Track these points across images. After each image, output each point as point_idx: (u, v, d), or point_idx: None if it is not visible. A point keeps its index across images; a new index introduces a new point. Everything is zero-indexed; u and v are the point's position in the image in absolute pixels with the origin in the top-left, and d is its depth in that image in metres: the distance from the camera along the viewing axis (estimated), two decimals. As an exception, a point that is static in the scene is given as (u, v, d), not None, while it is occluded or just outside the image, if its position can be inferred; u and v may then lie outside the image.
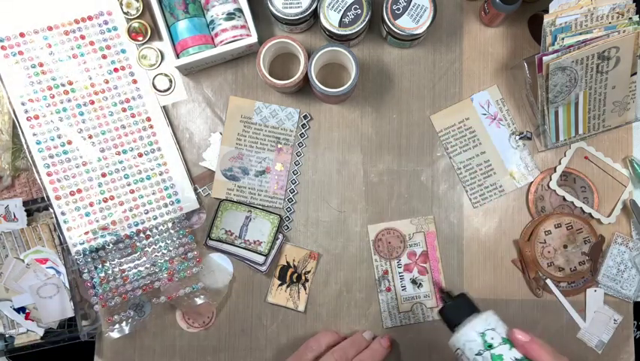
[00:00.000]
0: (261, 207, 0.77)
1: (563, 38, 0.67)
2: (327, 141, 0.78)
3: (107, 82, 0.75)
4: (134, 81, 0.76)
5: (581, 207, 0.77)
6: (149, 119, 0.76)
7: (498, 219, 0.78)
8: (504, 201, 0.78)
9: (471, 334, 0.57)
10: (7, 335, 0.75)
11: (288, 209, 0.78)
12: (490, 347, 0.56)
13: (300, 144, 0.78)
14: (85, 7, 0.75)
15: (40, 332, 0.75)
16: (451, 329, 0.60)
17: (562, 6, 0.67)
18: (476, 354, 0.56)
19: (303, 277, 0.77)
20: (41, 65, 0.75)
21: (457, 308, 0.60)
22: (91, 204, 0.75)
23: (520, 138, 0.78)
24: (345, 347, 0.72)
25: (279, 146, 0.78)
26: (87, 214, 0.75)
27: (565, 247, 0.76)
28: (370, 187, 0.78)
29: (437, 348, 0.77)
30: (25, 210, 0.75)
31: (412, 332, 0.77)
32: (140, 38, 0.76)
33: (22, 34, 0.74)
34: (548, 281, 0.77)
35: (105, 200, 0.75)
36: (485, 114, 0.78)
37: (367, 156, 0.78)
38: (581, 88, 0.69)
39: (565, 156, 0.77)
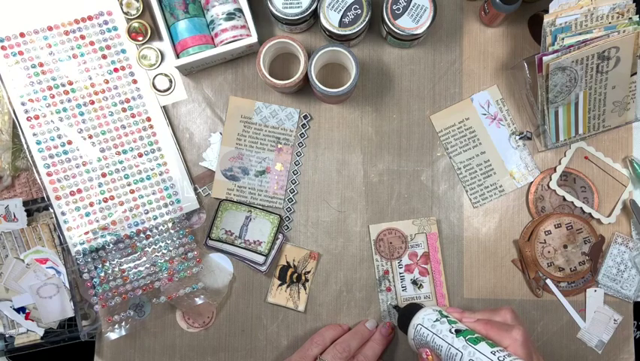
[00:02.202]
0: (261, 207, 0.77)
1: (563, 38, 0.67)
2: (327, 141, 0.78)
3: (107, 82, 0.75)
4: (134, 81, 0.76)
5: (581, 207, 0.77)
6: (149, 119, 0.76)
7: (498, 219, 0.78)
8: (504, 201, 0.78)
9: (428, 310, 0.65)
10: (7, 335, 0.75)
11: (288, 209, 0.78)
12: (447, 316, 0.63)
13: (300, 144, 0.78)
14: (85, 7, 0.75)
15: (40, 332, 0.75)
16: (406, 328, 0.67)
17: (562, 6, 0.67)
18: (434, 321, 0.62)
19: (303, 277, 0.77)
20: (41, 65, 0.75)
21: (412, 307, 0.68)
22: (91, 204, 0.75)
23: (520, 138, 0.78)
24: (348, 339, 0.72)
25: (279, 146, 0.77)
26: (87, 214, 0.75)
27: (565, 247, 0.76)
28: (370, 187, 0.78)
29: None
30: (25, 210, 0.75)
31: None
32: (140, 38, 0.76)
33: (22, 34, 0.74)
34: (548, 281, 0.77)
35: (105, 200, 0.75)
36: (485, 114, 0.78)
37: (367, 156, 0.78)
38: (581, 88, 0.69)
39: (565, 156, 0.77)
